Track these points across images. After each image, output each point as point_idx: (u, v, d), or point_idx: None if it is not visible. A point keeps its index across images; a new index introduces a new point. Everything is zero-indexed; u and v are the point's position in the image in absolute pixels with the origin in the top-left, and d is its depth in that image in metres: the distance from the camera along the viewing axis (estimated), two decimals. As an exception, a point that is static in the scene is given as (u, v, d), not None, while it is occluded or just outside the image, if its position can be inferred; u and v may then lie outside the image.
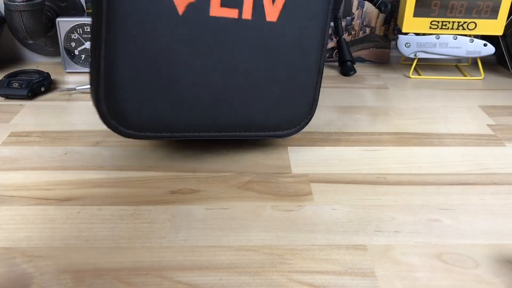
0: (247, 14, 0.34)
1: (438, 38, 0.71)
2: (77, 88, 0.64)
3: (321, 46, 0.38)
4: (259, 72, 0.36)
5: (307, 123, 0.41)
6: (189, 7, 0.32)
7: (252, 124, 0.37)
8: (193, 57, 0.32)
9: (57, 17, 0.71)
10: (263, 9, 0.35)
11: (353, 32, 0.77)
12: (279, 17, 0.37)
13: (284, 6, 0.37)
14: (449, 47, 0.71)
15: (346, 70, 0.73)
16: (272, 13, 0.36)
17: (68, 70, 0.72)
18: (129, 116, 0.33)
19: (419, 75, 0.74)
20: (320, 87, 0.40)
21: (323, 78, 0.72)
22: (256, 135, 0.38)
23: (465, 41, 0.71)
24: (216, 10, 0.33)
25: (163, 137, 0.34)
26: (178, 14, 0.31)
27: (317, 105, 0.41)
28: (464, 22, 0.70)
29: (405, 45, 0.71)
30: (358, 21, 0.76)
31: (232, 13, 0.34)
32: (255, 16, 0.35)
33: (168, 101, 0.33)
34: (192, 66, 0.32)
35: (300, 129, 0.41)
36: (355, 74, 0.73)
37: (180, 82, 0.33)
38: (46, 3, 0.71)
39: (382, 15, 0.76)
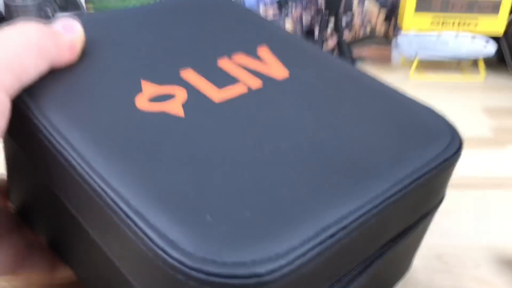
0: (253, 82, 0.29)
1: (439, 38, 0.71)
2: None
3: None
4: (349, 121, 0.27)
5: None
6: (186, 106, 0.26)
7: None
8: (242, 155, 0.24)
9: (56, 14, 0.71)
10: (263, 73, 0.30)
11: (353, 31, 0.77)
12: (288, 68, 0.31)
13: (281, 55, 0.32)
14: (450, 47, 0.71)
15: (347, 69, 0.73)
16: (275, 70, 0.30)
17: (68, 69, 0.71)
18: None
19: (420, 74, 0.74)
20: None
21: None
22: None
23: (466, 41, 0.71)
24: (217, 94, 0.27)
25: None
26: (181, 118, 0.25)
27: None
28: (465, 21, 0.70)
29: (406, 45, 0.71)
30: (358, 20, 0.76)
31: (237, 89, 0.28)
32: (265, 82, 0.29)
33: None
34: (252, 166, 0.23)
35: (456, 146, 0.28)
36: (356, 73, 0.73)
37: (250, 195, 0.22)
38: (45, 1, 0.71)
39: (382, 14, 0.75)
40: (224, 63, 0.30)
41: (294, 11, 0.75)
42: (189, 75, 0.29)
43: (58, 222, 0.29)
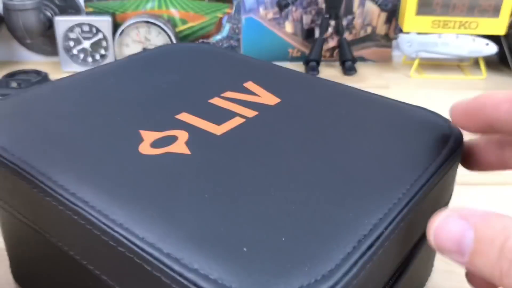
0: (248, 112, 0.30)
1: (440, 38, 0.71)
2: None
3: None
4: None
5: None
6: (190, 143, 0.26)
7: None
8: (251, 176, 0.24)
9: (55, 16, 0.71)
10: (258, 103, 0.31)
11: (354, 31, 0.76)
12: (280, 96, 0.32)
13: (268, 87, 0.33)
14: (451, 46, 0.71)
15: (347, 69, 0.72)
16: (267, 98, 0.31)
17: (66, 70, 0.71)
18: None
19: (421, 74, 0.73)
20: None
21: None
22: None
23: (467, 40, 0.71)
24: (218, 129, 0.28)
25: None
26: (188, 155, 0.25)
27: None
28: (466, 22, 0.69)
29: (407, 45, 0.71)
30: (359, 20, 0.76)
31: (235, 121, 0.29)
32: (259, 109, 0.30)
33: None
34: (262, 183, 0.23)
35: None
36: (356, 73, 0.73)
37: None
38: (44, 2, 0.70)
39: (383, 14, 0.75)
40: (216, 102, 0.31)
41: (294, 12, 0.75)
42: (185, 117, 0.29)
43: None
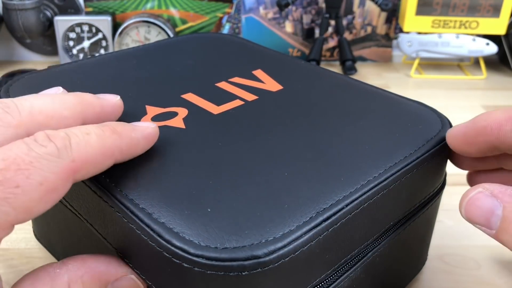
0: (249, 96, 0.32)
1: (440, 37, 0.70)
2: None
3: None
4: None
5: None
6: (187, 120, 0.28)
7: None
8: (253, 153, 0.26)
9: (55, 16, 0.71)
10: (259, 87, 0.33)
11: (354, 31, 0.76)
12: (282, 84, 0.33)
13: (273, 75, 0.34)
14: (451, 46, 0.71)
15: (347, 69, 0.72)
16: (270, 85, 0.33)
17: (67, 70, 0.71)
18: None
19: (421, 74, 0.73)
20: None
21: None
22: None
23: (467, 40, 0.70)
24: (216, 109, 0.30)
25: None
26: (182, 129, 0.27)
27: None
28: (466, 21, 0.69)
29: (407, 44, 0.71)
30: (359, 20, 0.76)
31: (234, 103, 0.31)
32: (260, 94, 0.32)
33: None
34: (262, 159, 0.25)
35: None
36: (356, 73, 0.73)
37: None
38: (44, 1, 0.70)
39: (383, 14, 0.75)
40: (222, 85, 0.33)
41: (294, 12, 0.75)
42: (190, 97, 0.31)
43: (74, 238, 0.30)
